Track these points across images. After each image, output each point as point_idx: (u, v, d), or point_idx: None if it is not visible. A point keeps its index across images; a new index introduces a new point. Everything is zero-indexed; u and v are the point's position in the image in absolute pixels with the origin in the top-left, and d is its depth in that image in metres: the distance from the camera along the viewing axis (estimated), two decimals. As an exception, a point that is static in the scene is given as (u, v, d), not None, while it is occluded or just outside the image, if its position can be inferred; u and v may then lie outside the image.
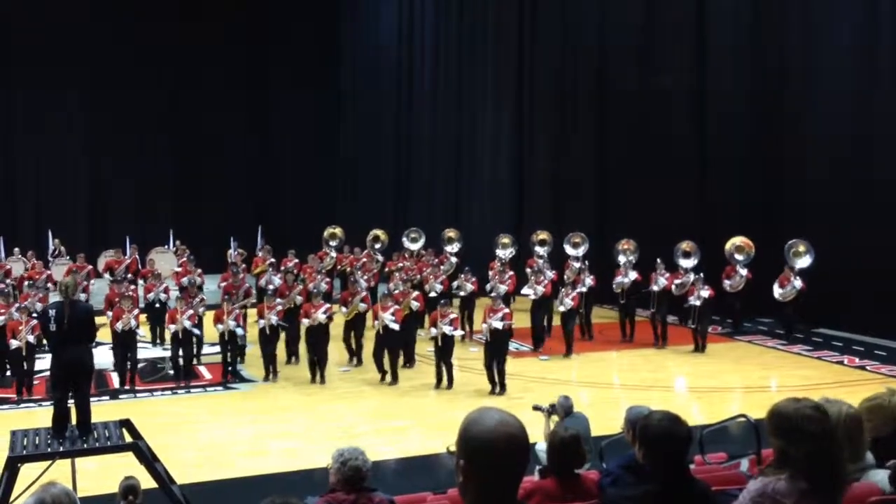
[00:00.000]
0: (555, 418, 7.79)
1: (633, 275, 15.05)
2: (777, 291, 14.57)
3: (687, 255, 15.17)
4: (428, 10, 21.72)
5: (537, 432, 7.26)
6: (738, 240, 15.25)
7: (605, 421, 8.22)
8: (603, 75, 18.60)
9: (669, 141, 17.26)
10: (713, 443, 6.20)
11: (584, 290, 14.59)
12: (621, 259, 15.68)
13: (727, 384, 12.33)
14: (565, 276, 15.03)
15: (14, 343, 11.55)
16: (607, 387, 12.38)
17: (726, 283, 15.08)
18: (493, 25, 20.24)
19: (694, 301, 13.95)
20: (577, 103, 19.10)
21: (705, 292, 13.93)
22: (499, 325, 11.75)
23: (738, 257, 15.20)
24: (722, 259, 15.25)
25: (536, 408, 7.89)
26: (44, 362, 10.87)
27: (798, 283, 14.34)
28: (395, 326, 12.24)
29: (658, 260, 14.85)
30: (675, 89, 17.08)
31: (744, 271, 15.04)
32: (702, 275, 14.26)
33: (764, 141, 16.06)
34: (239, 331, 12.58)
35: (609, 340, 15.17)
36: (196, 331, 12.66)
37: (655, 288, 14.61)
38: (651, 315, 14.73)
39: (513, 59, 19.97)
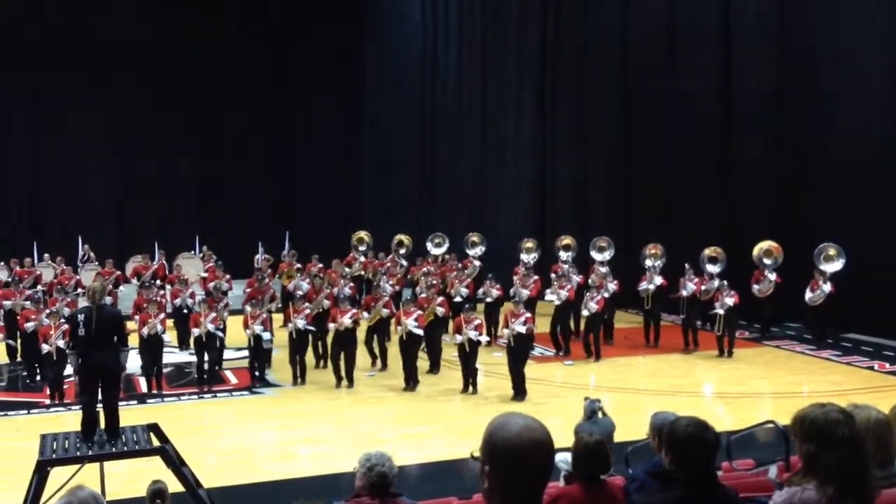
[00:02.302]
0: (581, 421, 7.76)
1: (659, 280, 14.95)
2: (807, 296, 14.40)
3: (713, 260, 15.04)
4: (452, 9, 21.74)
5: (561, 438, 7.22)
6: (766, 244, 15.09)
7: (631, 426, 8.15)
8: (626, 77, 18.52)
9: (695, 142, 17.14)
10: (741, 449, 6.13)
11: (607, 294, 14.51)
12: (647, 263, 15.58)
13: (755, 390, 12.20)
14: (590, 281, 14.97)
15: (45, 347, 11.71)
16: (633, 392, 12.29)
17: (755, 287, 14.94)
18: (517, 27, 20.22)
19: (719, 309, 13.83)
20: (600, 105, 19.03)
21: (730, 299, 13.81)
22: (521, 328, 11.73)
23: (767, 262, 15.05)
24: (749, 263, 15.10)
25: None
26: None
27: (827, 287, 14.16)
28: (419, 331, 12.28)
29: (686, 265, 14.75)
30: (700, 89, 16.95)
31: (773, 276, 14.89)
32: (726, 282, 14.13)
33: (791, 142, 15.89)
34: (266, 335, 12.65)
35: (634, 345, 15.08)
36: (220, 333, 12.73)
37: (685, 293, 14.51)
38: (682, 320, 14.63)
39: (536, 62, 19.93)
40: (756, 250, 15.08)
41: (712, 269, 14.88)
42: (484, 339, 12.40)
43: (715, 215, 16.73)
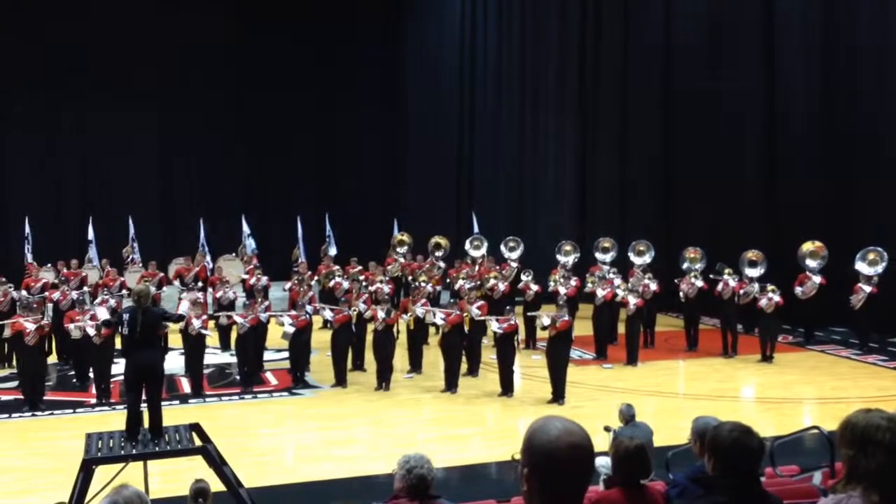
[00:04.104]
0: (619, 425, 7.72)
1: (699, 283, 14.78)
2: (852, 299, 14.13)
3: (753, 264, 14.81)
4: (491, 11, 21.73)
5: (601, 442, 7.17)
6: (810, 245, 14.82)
7: (672, 431, 8.07)
8: (668, 76, 18.35)
9: (738, 143, 16.92)
10: (785, 455, 6.04)
11: (648, 296, 14.39)
12: (686, 266, 15.41)
13: (799, 395, 11.99)
14: (629, 284, 14.86)
15: (72, 330, 11.95)
16: (672, 396, 12.16)
17: (798, 289, 14.68)
18: (556, 26, 20.15)
19: (765, 308, 13.65)
20: (641, 106, 18.88)
21: (766, 301, 13.61)
22: (547, 321, 11.77)
23: (811, 264, 14.78)
24: (793, 266, 14.84)
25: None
26: (118, 367, 11.18)
27: (868, 288, 13.89)
28: (440, 321, 12.49)
29: (728, 269, 14.56)
30: (743, 89, 16.73)
31: (817, 278, 14.62)
32: (767, 285, 13.93)
33: (836, 142, 15.60)
34: (289, 328, 12.74)
35: (673, 349, 14.92)
36: (266, 319, 12.81)
37: (725, 297, 14.33)
38: (721, 324, 14.46)
39: (575, 61, 19.84)
40: (801, 251, 14.82)
41: (752, 272, 14.66)
42: (497, 328, 12.28)
43: (758, 217, 16.49)
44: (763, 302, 13.71)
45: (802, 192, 15.89)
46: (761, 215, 16.51)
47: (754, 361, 13.81)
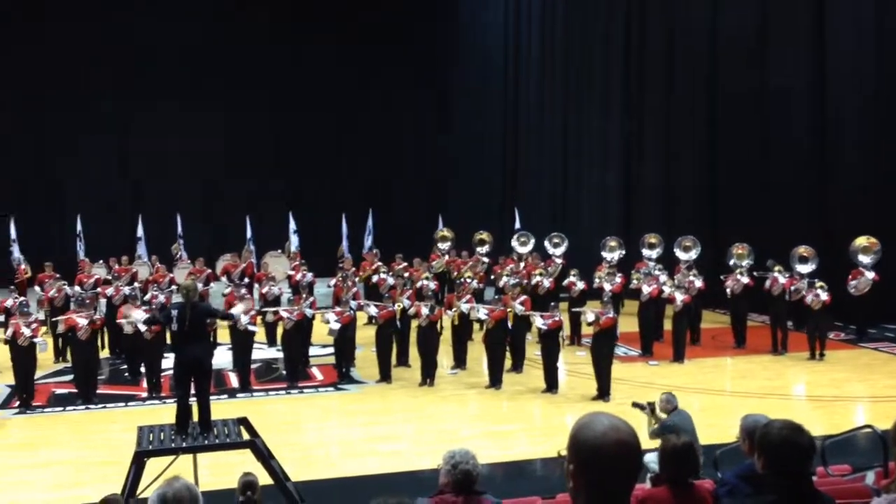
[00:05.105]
0: (662, 415, 7.69)
1: (746, 279, 14.55)
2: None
3: (804, 259, 14.53)
4: (535, 12, 21.63)
5: (646, 438, 7.12)
6: (863, 240, 14.48)
7: (719, 429, 7.98)
8: (716, 74, 18.07)
9: (787, 141, 16.60)
10: (837, 454, 5.92)
11: (693, 293, 14.20)
12: (733, 262, 15.17)
13: (851, 393, 11.75)
14: (676, 280, 14.68)
15: (124, 325, 12.26)
16: (720, 393, 11.99)
17: (852, 283, 14.35)
18: (601, 26, 19.98)
19: (812, 305, 13.39)
20: (687, 105, 18.62)
21: (813, 297, 13.34)
22: (591, 317, 11.68)
23: (864, 259, 14.44)
24: (845, 263, 14.52)
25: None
26: (168, 361, 11.40)
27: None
28: (483, 315, 12.57)
29: (777, 265, 14.31)
30: (791, 90, 16.41)
31: (870, 274, 14.28)
32: (815, 281, 13.65)
33: (888, 138, 15.22)
34: (335, 325, 12.83)
35: (720, 346, 14.71)
36: (311, 315, 12.92)
37: (774, 293, 14.08)
38: (771, 321, 14.22)
39: (621, 60, 19.65)
40: (853, 246, 14.49)
41: (803, 268, 14.38)
42: (541, 323, 12.22)
43: (808, 214, 16.16)
44: (809, 298, 13.46)
45: (852, 192, 15.54)
46: (811, 212, 16.17)
47: (804, 359, 13.55)
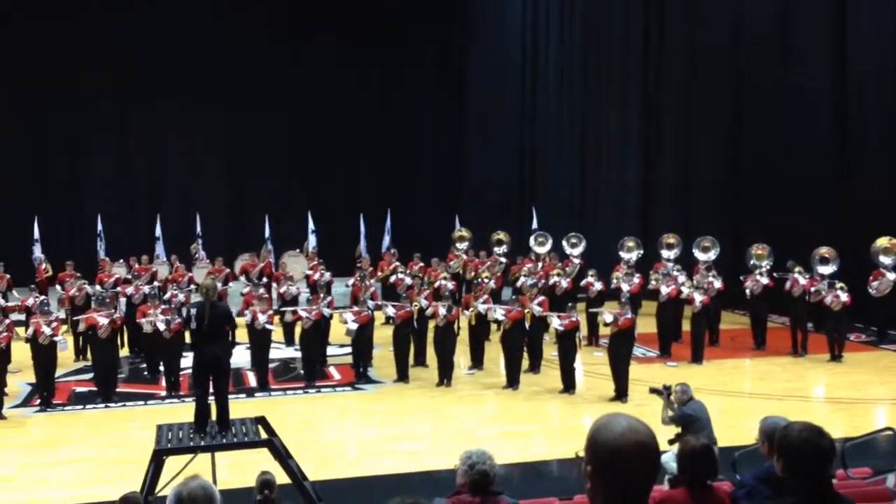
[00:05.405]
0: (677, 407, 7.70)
1: (765, 280, 14.45)
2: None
3: (825, 260, 14.40)
4: (553, 6, 21.57)
5: (665, 441, 7.09)
6: (885, 241, 14.34)
7: (738, 431, 7.92)
8: (736, 72, 17.95)
9: (808, 140, 16.45)
10: (857, 456, 5.88)
11: (712, 294, 14.12)
12: (753, 263, 15.06)
13: (871, 395, 11.64)
14: (694, 281, 14.60)
15: (144, 325, 12.34)
16: (739, 395, 11.91)
17: (873, 285, 14.21)
18: (619, 24, 19.89)
19: (831, 306, 13.27)
20: (708, 101, 18.50)
21: (832, 298, 13.21)
22: (609, 318, 11.63)
23: (885, 260, 14.30)
24: (866, 263, 14.38)
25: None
26: (187, 360, 11.47)
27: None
28: (500, 315, 12.54)
29: (798, 266, 14.19)
30: (814, 87, 16.25)
31: (892, 275, 14.14)
32: (836, 282, 13.52)
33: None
34: (352, 325, 12.86)
35: (739, 347, 14.61)
36: (329, 315, 12.99)
37: (795, 294, 13.98)
38: (791, 322, 14.11)
39: (640, 58, 19.56)
40: (874, 247, 14.35)
41: (824, 269, 14.26)
42: (556, 324, 12.20)
43: (829, 214, 16.01)
44: (829, 299, 13.34)
45: (874, 191, 15.37)
46: (832, 213, 16.03)
47: (824, 361, 13.43)
